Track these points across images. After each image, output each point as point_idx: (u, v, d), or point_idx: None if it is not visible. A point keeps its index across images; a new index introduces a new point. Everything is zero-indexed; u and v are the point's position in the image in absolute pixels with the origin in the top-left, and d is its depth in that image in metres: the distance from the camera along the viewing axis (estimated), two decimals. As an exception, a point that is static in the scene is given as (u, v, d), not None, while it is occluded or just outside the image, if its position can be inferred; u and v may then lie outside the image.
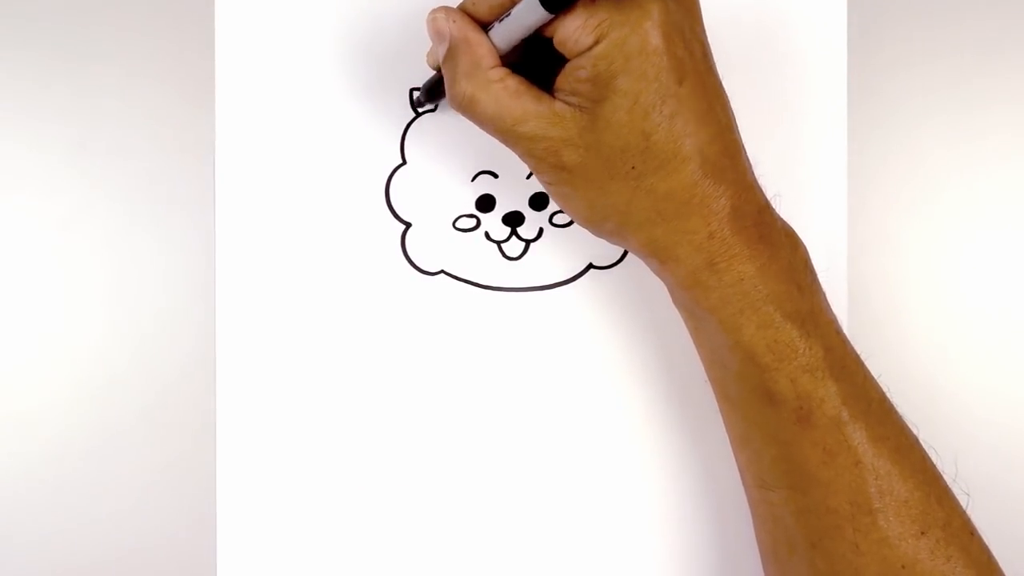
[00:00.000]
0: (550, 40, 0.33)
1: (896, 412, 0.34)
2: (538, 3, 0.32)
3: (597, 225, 0.36)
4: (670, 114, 0.32)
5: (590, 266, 0.41)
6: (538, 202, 0.41)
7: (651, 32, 0.31)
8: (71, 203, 0.42)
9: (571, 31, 0.32)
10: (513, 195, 0.41)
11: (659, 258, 0.34)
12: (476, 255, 0.41)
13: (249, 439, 0.41)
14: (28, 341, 0.42)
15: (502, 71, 0.34)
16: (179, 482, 0.41)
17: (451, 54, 0.34)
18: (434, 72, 0.39)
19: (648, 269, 0.40)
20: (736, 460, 0.37)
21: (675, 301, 0.36)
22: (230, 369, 0.41)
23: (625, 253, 0.41)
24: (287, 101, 0.41)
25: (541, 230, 0.41)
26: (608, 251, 0.41)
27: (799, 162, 0.41)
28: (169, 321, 0.42)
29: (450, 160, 0.41)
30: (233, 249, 0.41)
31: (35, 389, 0.41)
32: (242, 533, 0.41)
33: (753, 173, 0.34)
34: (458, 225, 0.42)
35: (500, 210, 0.41)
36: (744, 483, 0.37)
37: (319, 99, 0.41)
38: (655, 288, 0.41)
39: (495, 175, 0.41)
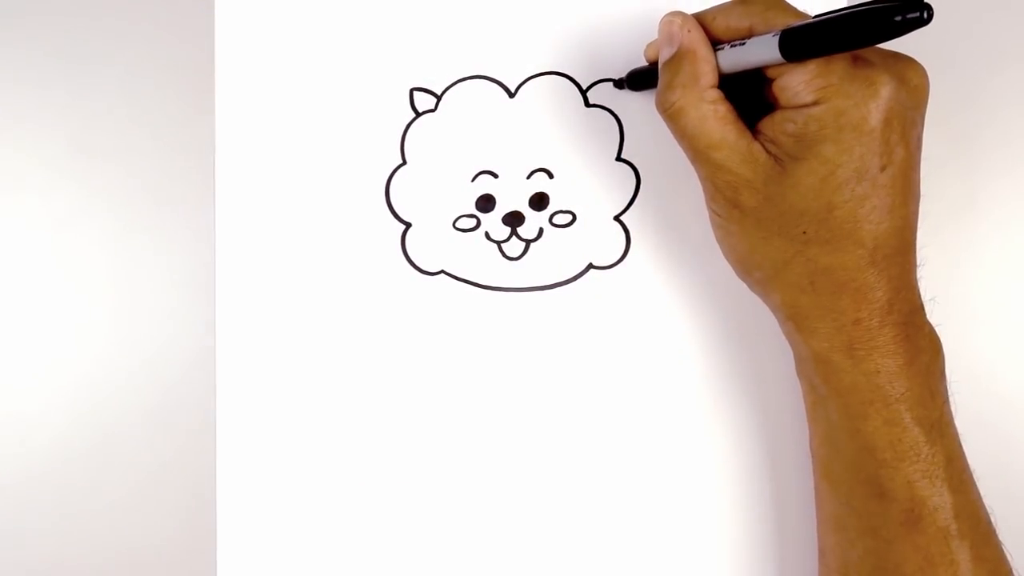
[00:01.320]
0: (764, 77, 0.33)
1: (997, 535, 0.34)
2: (776, 46, 0.31)
3: (746, 270, 0.36)
4: (862, 196, 0.32)
5: (590, 266, 0.41)
6: (538, 202, 0.41)
7: (873, 112, 0.31)
8: (71, 204, 0.42)
9: (795, 82, 0.31)
10: (513, 195, 0.41)
11: (797, 324, 0.34)
12: (476, 255, 0.41)
13: (249, 439, 0.41)
14: (28, 342, 0.41)
15: (717, 94, 0.34)
16: (179, 482, 0.41)
17: (675, 61, 0.34)
18: (647, 64, 0.39)
19: (650, 271, 0.40)
20: (820, 539, 0.37)
21: (799, 371, 0.36)
22: (230, 369, 0.41)
23: (625, 253, 0.41)
24: (287, 101, 0.41)
25: (541, 230, 0.41)
26: (608, 251, 0.41)
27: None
28: (169, 321, 0.41)
29: (450, 160, 0.41)
30: (233, 249, 0.41)
31: (35, 390, 0.41)
32: (242, 533, 0.41)
33: (916, 273, 0.34)
34: (458, 225, 0.42)
35: (500, 210, 0.41)
36: (824, 563, 0.37)
37: (319, 99, 0.41)
38: (655, 289, 0.41)
39: (495, 175, 0.41)
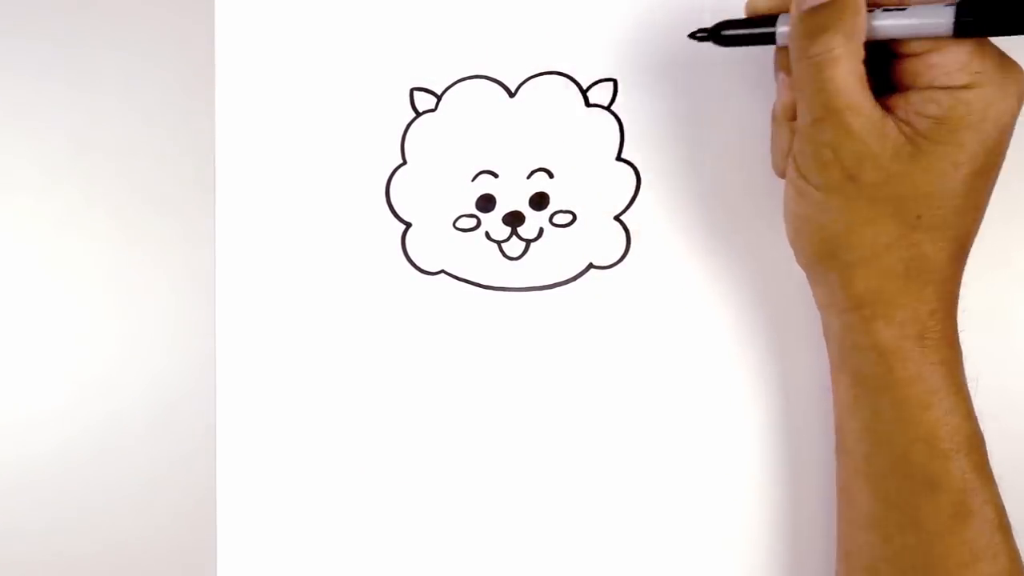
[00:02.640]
0: (891, 52, 0.32)
1: None
2: (952, 16, 0.29)
3: (830, 252, 0.33)
4: (979, 189, 0.31)
5: (590, 266, 0.41)
6: (538, 202, 0.41)
7: (1014, 107, 0.30)
8: (70, 204, 0.42)
9: (949, 61, 0.30)
10: (513, 195, 0.41)
11: (874, 311, 0.33)
12: (476, 255, 0.41)
13: (249, 440, 0.41)
14: (28, 342, 0.41)
15: (863, 55, 0.31)
16: (179, 482, 0.41)
17: (836, 5, 0.31)
18: (747, 16, 0.35)
19: (650, 271, 0.40)
20: (846, 540, 0.36)
21: (841, 363, 0.35)
22: (230, 369, 0.41)
23: (625, 253, 0.41)
24: (287, 101, 0.41)
25: (541, 230, 0.41)
26: (608, 251, 0.41)
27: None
28: (170, 321, 0.41)
29: (450, 160, 0.41)
30: (233, 249, 0.41)
31: (35, 391, 0.41)
32: (242, 533, 0.41)
33: None
34: (458, 225, 0.42)
35: (500, 210, 0.41)
36: (848, 564, 0.36)
37: (319, 99, 0.41)
38: (655, 289, 0.41)
39: (495, 175, 0.41)
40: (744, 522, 0.41)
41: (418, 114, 0.41)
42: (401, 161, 0.41)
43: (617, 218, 0.41)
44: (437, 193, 0.41)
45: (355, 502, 0.41)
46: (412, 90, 0.41)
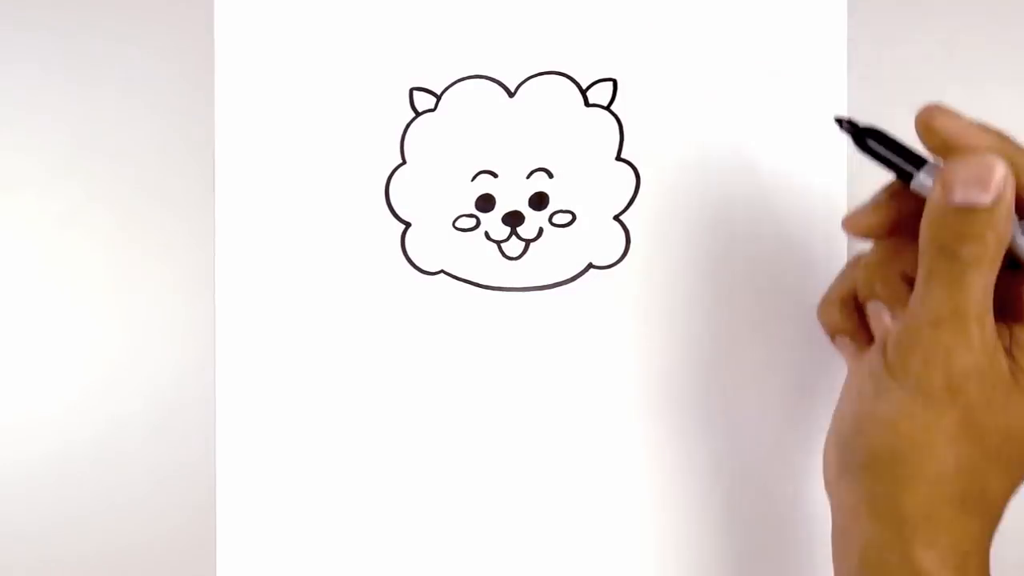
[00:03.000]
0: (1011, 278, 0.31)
1: None
2: None
3: (895, 460, 0.31)
4: None
5: (590, 266, 0.41)
6: (538, 202, 0.41)
7: None
8: (70, 203, 0.42)
9: None
10: (513, 195, 0.41)
11: (912, 533, 0.30)
12: (476, 255, 0.41)
13: (249, 440, 0.41)
14: (26, 342, 0.42)
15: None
16: (179, 483, 0.41)
17: (994, 214, 0.28)
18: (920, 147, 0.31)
19: (650, 271, 0.40)
20: None
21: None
22: (230, 369, 0.41)
23: (625, 253, 0.41)
24: (287, 101, 0.41)
25: (541, 230, 0.42)
26: (608, 251, 0.41)
27: (799, 161, 0.41)
28: (169, 321, 0.42)
29: (450, 160, 0.41)
30: (233, 249, 0.41)
31: (33, 391, 0.41)
32: (242, 533, 0.41)
33: None
34: (458, 225, 0.42)
35: (500, 210, 0.41)
36: None
37: (319, 99, 0.41)
38: (655, 289, 0.41)
39: (495, 175, 0.41)
40: (748, 521, 0.41)
41: (418, 114, 0.41)
42: (400, 161, 0.41)
43: (617, 218, 0.41)
44: (436, 193, 0.41)
45: (355, 503, 0.41)
46: (412, 90, 0.41)
